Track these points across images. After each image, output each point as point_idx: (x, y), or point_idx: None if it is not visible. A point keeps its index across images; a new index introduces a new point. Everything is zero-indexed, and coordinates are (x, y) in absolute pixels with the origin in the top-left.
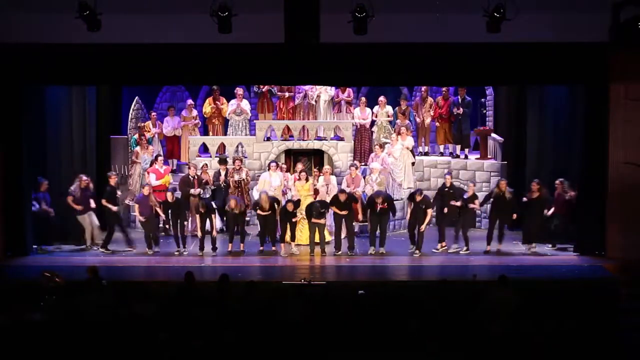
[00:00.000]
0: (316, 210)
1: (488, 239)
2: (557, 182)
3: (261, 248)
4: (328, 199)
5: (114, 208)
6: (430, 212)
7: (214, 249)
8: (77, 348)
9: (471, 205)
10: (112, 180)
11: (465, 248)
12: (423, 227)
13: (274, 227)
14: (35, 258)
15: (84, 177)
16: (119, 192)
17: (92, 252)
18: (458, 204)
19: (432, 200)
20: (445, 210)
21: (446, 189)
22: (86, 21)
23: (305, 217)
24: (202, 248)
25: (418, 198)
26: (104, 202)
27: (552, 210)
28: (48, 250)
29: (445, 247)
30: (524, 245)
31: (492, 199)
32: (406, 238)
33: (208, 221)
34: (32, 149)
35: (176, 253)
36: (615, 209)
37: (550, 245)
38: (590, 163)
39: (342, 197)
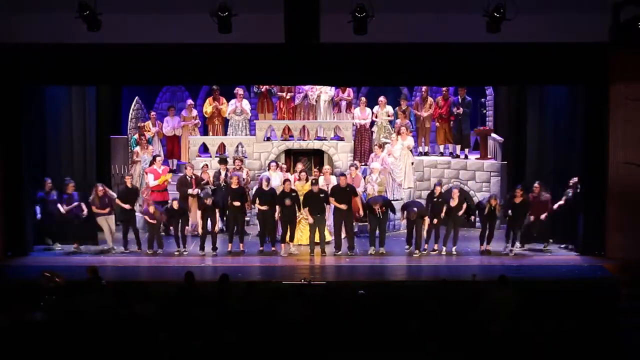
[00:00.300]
0: (315, 197)
1: (481, 239)
2: (535, 184)
3: (261, 248)
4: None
5: (127, 206)
6: (427, 219)
7: (214, 248)
8: (77, 348)
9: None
10: (128, 182)
11: (453, 248)
12: (424, 233)
13: (274, 227)
14: (35, 258)
15: (100, 187)
16: (143, 194)
17: (88, 252)
18: (443, 214)
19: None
20: (435, 221)
21: (435, 199)
22: (86, 21)
23: (305, 217)
24: (202, 248)
25: (413, 217)
26: (117, 201)
27: (532, 216)
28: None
29: (437, 250)
30: (509, 248)
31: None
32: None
33: (209, 221)
34: (32, 149)
35: (176, 253)
36: (615, 209)
37: (544, 245)
38: (590, 163)
39: (342, 182)
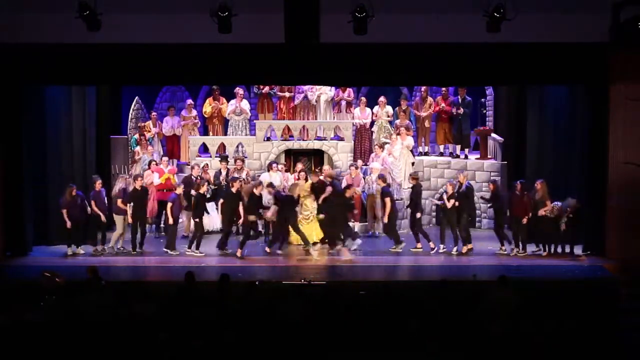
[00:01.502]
0: (290, 203)
1: (441, 239)
2: (518, 182)
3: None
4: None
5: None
6: (388, 201)
7: (225, 243)
8: (77, 348)
9: (448, 203)
10: (138, 184)
11: (454, 249)
12: (386, 218)
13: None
14: (35, 258)
15: (128, 178)
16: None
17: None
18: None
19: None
20: (418, 215)
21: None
22: (86, 21)
23: (305, 217)
24: (221, 247)
25: (381, 183)
26: (127, 206)
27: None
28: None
29: (420, 249)
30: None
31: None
32: (409, 237)
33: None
34: (32, 149)
35: (186, 252)
36: (616, 209)
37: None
38: (590, 163)
39: (315, 179)
